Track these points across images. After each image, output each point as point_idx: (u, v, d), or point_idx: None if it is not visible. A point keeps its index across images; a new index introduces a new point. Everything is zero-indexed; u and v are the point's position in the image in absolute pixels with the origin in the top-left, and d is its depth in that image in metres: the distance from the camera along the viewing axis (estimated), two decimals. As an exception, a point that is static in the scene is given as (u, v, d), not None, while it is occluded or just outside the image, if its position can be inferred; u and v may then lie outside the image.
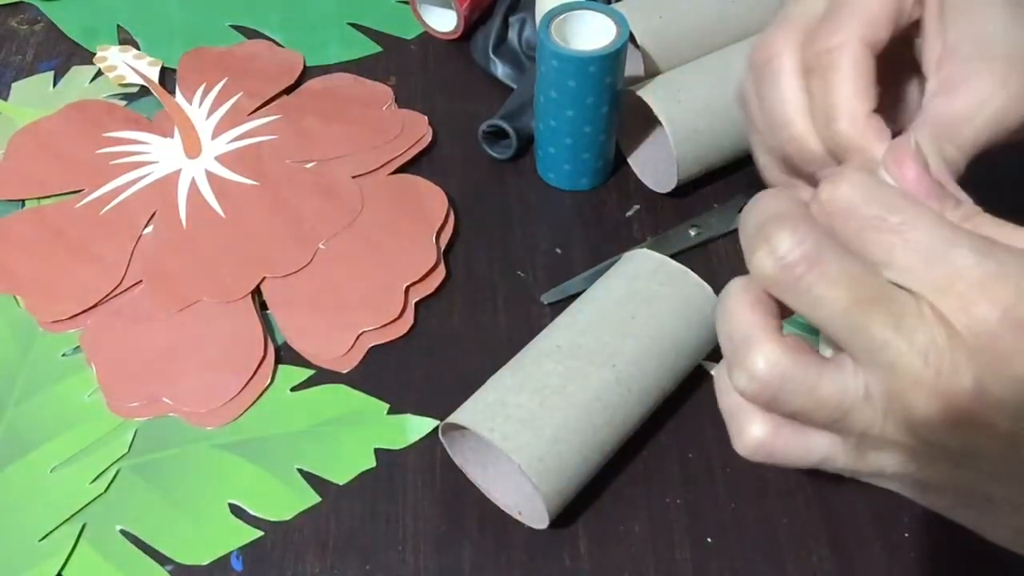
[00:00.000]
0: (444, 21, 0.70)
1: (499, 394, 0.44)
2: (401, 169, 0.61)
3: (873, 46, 0.35)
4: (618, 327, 0.46)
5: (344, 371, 0.52)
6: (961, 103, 0.34)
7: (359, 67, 0.68)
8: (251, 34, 0.71)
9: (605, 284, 0.49)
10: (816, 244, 0.28)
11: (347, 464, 0.48)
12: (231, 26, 0.72)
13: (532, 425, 0.42)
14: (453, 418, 0.44)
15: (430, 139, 0.63)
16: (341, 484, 0.48)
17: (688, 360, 0.47)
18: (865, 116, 0.34)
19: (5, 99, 0.67)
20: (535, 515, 0.45)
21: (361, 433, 0.49)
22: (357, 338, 0.53)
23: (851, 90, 0.35)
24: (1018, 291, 0.26)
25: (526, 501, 0.46)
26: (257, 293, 0.55)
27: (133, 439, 0.49)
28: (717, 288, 0.48)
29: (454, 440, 0.47)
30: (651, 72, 0.59)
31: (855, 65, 0.35)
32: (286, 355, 0.53)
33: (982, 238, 0.27)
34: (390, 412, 0.50)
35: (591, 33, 0.55)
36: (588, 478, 0.45)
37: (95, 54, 0.69)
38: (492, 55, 0.66)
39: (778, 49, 0.37)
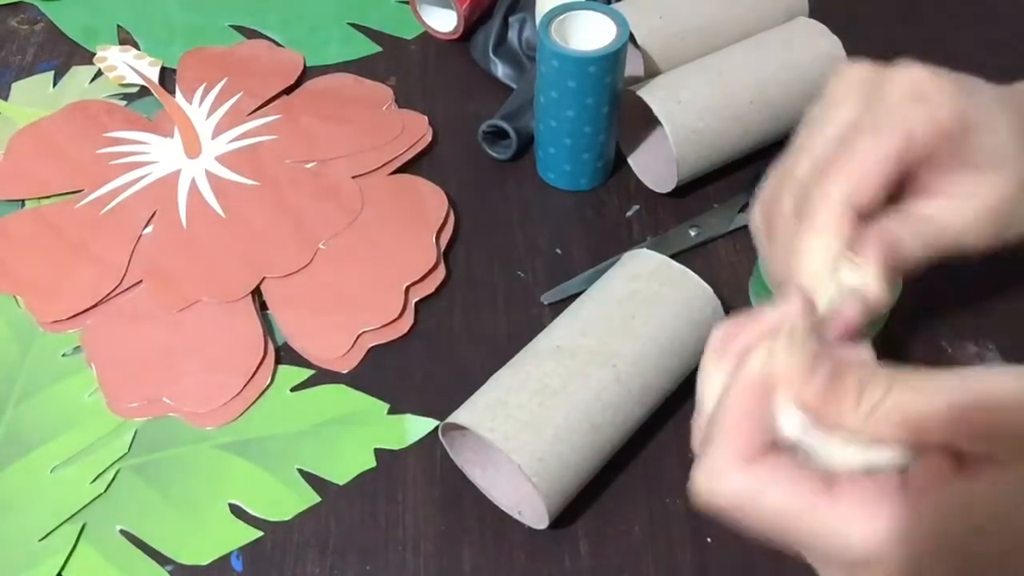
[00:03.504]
0: (444, 21, 0.70)
1: (499, 394, 0.44)
2: (401, 169, 0.61)
3: (856, 204, 0.36)
4: (618, 327, 0.46)
5: (344, 371, 0.52)
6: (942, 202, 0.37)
7: (359, 67, 0.68)
8: (251, 34, 0.71)
9: (605, 284, 0.49)
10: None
11: (347, 464, 0.48)
12: (231, 26, 0.72)
13: (532, 425, 0.42)
14: (453, 418, 0.44)
15: (430, 139, 0.63)
16: (341, 484, 0.48)
17: (688, 360, 0.47)
18: (813, 270, 0.35)
19: (5, 99, 0.67)
20: (535, 515, 0.45)
21: (361, 433, 0.49)
22: (357, 338, 0.52)
23: (815, 243, 0.36)
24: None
25: (526, 501, 0.46)
26: (257, 293, 0.55)
27: (133, 439, 0.49)
28: (717, 288, 0.48)
29: (454, 440, 0.47)
30: (651, 72, 0.59)
31: (827, 219, 0.36)
32: (286, 355, 0.53)
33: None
34: (390, 412, 0.50)
35: (591, 33, 0.55)
36: (588, 478, 0.45)
37: (95, 54, 0.69)
38: (492, 55, 0.66)
39: (777, 203, 0.39)
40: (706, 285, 0.47)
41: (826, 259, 0.36)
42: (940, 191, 0.38)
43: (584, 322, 0.46)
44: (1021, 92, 0.40)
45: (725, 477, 0.30)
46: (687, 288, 0.47)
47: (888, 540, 0.28)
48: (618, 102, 0.56)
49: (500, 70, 0.66)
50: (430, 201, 0.59)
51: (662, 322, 0.46)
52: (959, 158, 0.37)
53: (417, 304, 0.54)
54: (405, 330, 0.53)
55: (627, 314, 0.46)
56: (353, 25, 0.72)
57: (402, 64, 0.69)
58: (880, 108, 0.37)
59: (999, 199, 0.38)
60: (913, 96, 0.37)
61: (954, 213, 0.38)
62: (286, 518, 0.47)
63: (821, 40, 0.59)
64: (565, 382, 0.44)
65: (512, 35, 0.67)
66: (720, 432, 0.31)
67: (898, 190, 0.38)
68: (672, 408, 0.49)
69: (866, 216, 0.36)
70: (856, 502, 0.28)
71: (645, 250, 0.49)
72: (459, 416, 0.44)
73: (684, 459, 0.48)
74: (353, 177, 0.60)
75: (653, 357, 0.46)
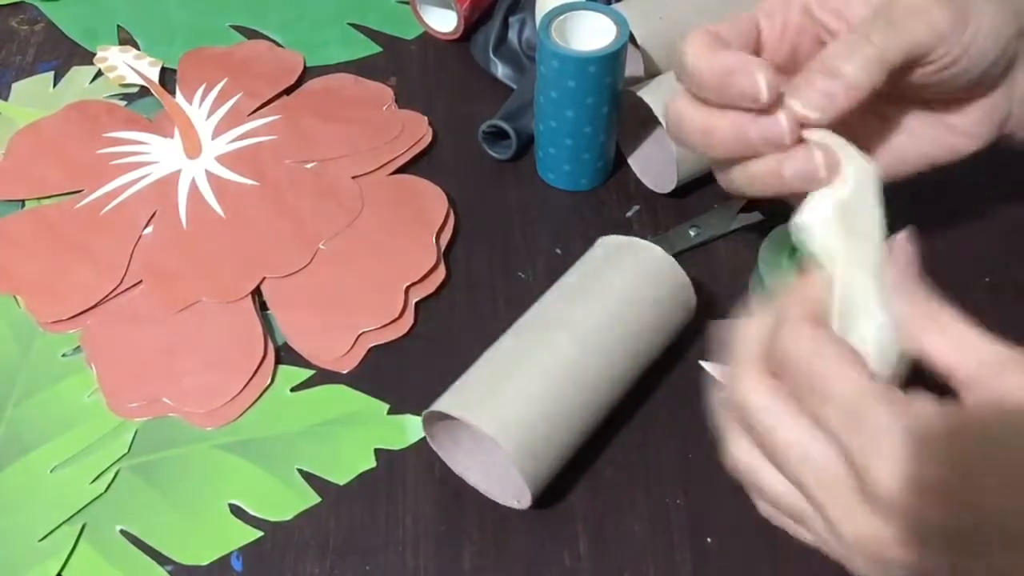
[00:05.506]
0: (444, 21, 0.70)
1: (464, 379, 0.45)
2: (401, 169, 0.61)
3: None
4: (571, 297, 0.47)
5: (344, 371, 0.52)
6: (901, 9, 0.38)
7: (359, 67, 0.68)
8: (251, 34, 0.71)
9: (577, 270, 0.50)
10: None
11: (347, 464, 0.48)
12: (231, 26, 0.72)
13: (491, 391, 0.44)
14: (435, 407, 0.44)
15: (430, 139, 0.63)
16: (341, 484, 0.48)
17: (645, 316, 0.48)
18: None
19: (5, 99, 0.67)
20: (523, 491, 0.45)
21: (361, 433, 0.49)
22: (357, 338, 0.52)
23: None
24: (928, 457, 0.28)
25: (519, 486, 0.45)
26: (257, 293, 0.55)
27: (133, 439, 0.49)
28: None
29: (448, 451, 0.47)
30: (651, 72, 0.59)
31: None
32: (286, 355, 0.53)
33: (900, 398, 0.30)
34: (390, 412, 0.50)
35: (591, 33, 0.55)
36: (562, 440, 0.44)
37: (95, 54, 0.69)
38: (492, 55, 0.66)
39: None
40: (658, 248, 0.49)
41: None
42: None
43: (542, 302, 0.48)
44: None
45: (800, 331, 0.32)
46: (636, 252, 0.49)
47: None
48: (618, 102, 0.56)
49: (500, 70, 0.66)
50: (430, 201, 0.59)
51: (612, 284, 0.47)
52: None
53: (417, 304, 0.54)
54: (405, 330, 0.53)
55: (580, 287, 0.48)
56: (353, 25, 0.72)
57: (402, 64, 0.69)
58: None
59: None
60: None
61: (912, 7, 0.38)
62: (286, 518, 0.47)
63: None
64: (522, 353, 0.45)
65: (512, 35, 0.67)
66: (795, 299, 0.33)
67: None
68: (672, 408, 0.49)
69: None
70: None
71: (601, 238, 0.51)
72: (433, 405, 0.45)
73: (684, 459, 0.48)
74: (353, 177, 0.60)
75: (606, 315, 0.46)
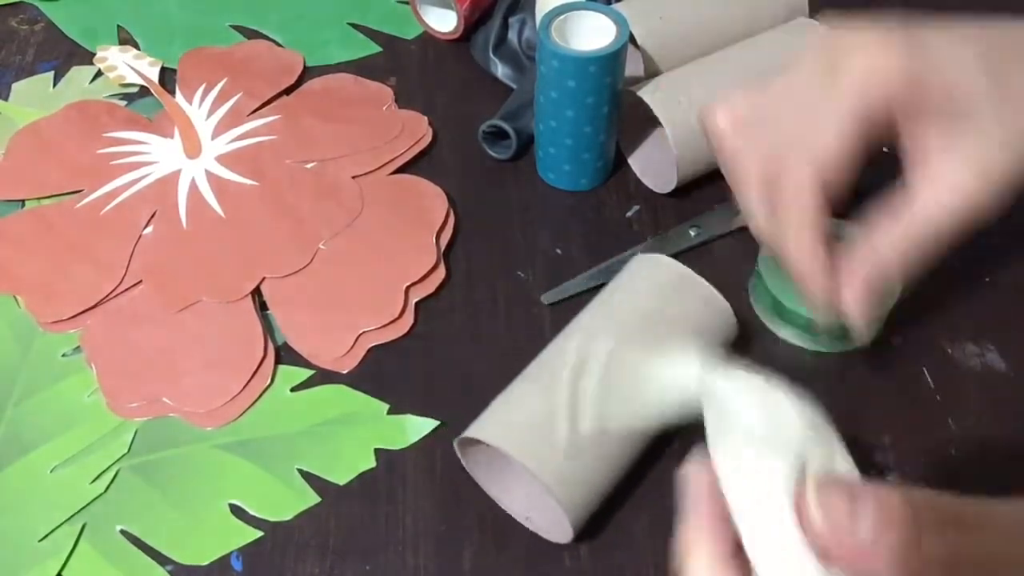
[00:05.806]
0: (444, 21, 0.70)
1: (533, 417, 0.43)
2: (401, 169, 0.61)
3: (825, 182, 0.39)
4: (628, 338, 0.45)
5: (344, 371, 0.52)
6: (943, 196, 0.38)
7: (359, 67, 0.68)
8: (251, 34, 0.71)
9: (629, 295, 0.48)
10: None
11: (347, 464, 0.48)
12: (231, 26, 0.72)
13: (570, 455, 0.42)
14: (492, 440, 0.43)
15: (430, 139, 0.63)
16: (341, 484, 0.48)
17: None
18: (810, 245, 0.40)
19: (5, 99, 0.67)
20: (547, 525, 0.45)
21: (361, 433, 0.49)
22: (357, 338, 0.52)
23: (799, 221, 0.40)
24: None
25: (537, 509, 0.45)
26: (257, 293, 0.55)
27: (133, 439, 0.49)
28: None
29: (465, 446, 0.46)
30: (651, 72, 0.59)
31: (806, 205, 0.40)
32: (286, 355, 0.53)
33: None
34: (390, 412, 0.50)
35: (591, 33, 0.55)
36: (608, 488, 0.45)
37: (95, 54, 0.69)
38: (492, 55, 0.66)
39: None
40: (727, 304, 0.48)
41: (812, 250, 0.40)
42: (929, 149, 0.38)
43: (613, 339, 0.46)
44: (992, 27, 0.39)
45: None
46: (712, 309, 0.48)
47: None
48: (618, 102, 0.56)
49: (500, 70, 0.66)
50: (430, 201, 0.59)
51: (673, 330, 0.46)
52: (933, 109, 0.37)
53: (417, 304, 0.54)
54: (405, 330, 0.53)
55: (656, 334, 0.46)
56: (353, 25, 0.72)
57: (402, 64, 0.69)
58: (831, 79, 0.38)
59: (987, 150, 0.37)
60: (863, 63, 0.38)
61: (945, 196, 0.38)
62: (286, 518, 0.47)
63: (821, 40, 0.59)
64: (598, 408, 0.43)
65: (512, 35, 0.67)
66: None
67: (874, 152, 0.39)
68: (672, 408, 0.49)
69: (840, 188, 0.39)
70: None
71: (665, 259, 0.49)
72: (484, 433, 0.43)
73: (684, 459, 0.48)
74: (353, 177, 0.60)
75: None
